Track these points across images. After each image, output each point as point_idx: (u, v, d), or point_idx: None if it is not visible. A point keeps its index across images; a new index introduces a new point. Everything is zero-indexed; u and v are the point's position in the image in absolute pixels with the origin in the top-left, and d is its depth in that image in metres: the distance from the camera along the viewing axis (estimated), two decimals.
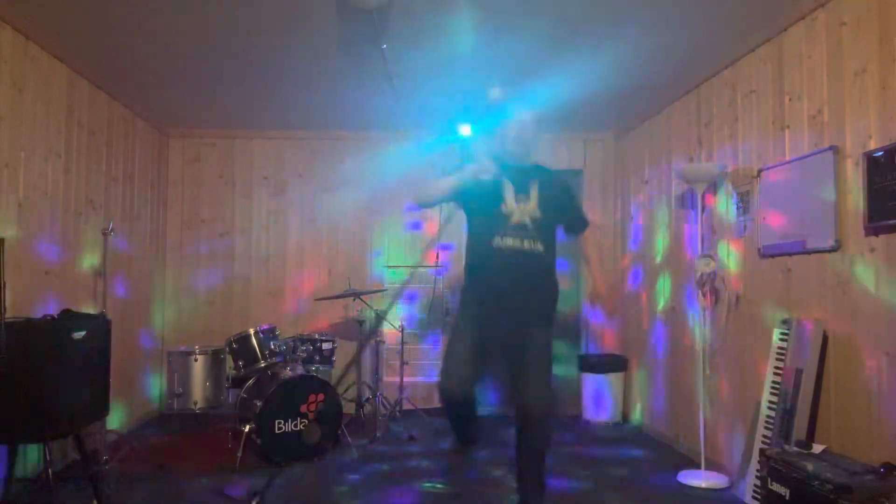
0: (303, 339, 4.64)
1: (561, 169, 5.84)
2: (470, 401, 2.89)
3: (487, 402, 5.11)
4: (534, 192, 2.90)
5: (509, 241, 2.84)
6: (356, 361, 5.11)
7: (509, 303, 2.85)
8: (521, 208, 2.88)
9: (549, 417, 2.93)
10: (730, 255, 3.83)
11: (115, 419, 4.38)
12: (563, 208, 3.04)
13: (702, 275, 3.81)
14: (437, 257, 5.73)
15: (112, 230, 4.14)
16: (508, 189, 2.88)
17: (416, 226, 5.85)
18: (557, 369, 3.01)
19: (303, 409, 4.12)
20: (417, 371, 5.53)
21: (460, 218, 3.13)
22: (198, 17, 3.42)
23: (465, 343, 2.85)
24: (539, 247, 2.88)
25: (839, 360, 2.91)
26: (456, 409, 2.93)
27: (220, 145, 5.80)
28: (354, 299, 5.09)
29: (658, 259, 4.88)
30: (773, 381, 3.19)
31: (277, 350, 4.46)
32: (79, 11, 3.35)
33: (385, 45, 3.67)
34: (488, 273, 2.89)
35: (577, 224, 3.13)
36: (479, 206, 2.92)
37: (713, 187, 4.01)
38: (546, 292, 3.02)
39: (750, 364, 3.58)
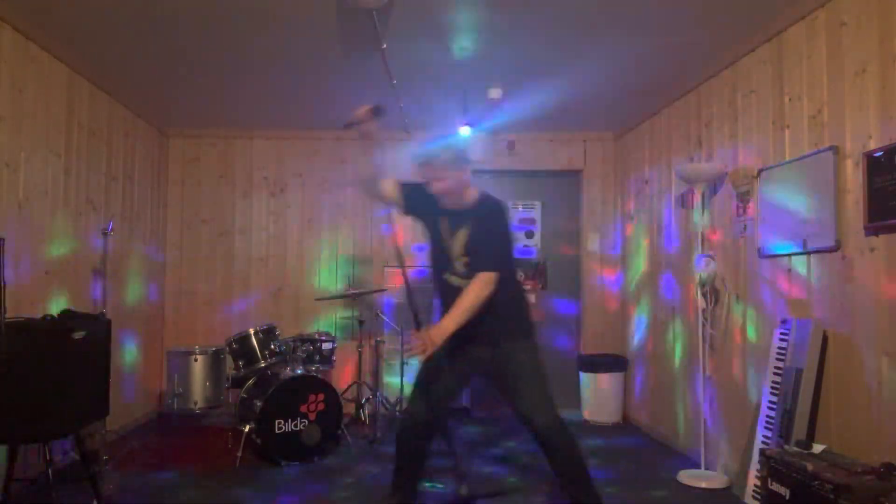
0: (303, 339, 4.64)
1: (561, 169, 5.91)
2: (428, 429, 2.86)
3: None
4: (460, 239, 2.80)
5: (455, 280, 2.80)
6: (356, 362, 5.11)
7: (468, 337, 2.72)
8: (454, 249, 2.82)
9: (558, 427, 2.73)
10: (730, 255, 3.83)
11: (115, 419, 4.37)
12: (476, 246, 2.79)
13: (702, 275, 3.81)
14: None
15: (112, 230, 4.14)
16: (445, 230, 2.85)
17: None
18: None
19: (303, 409, 4.12)
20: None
21: None
22: (198, 17, 3.42)
23: (430, 371, 2.84)
24: None
25: (839, 360, 2.91)
26: (410, 445, 2.87)
27: (220, 145, 5.80)
28: (354, 299, 5.09)
29: (658, 259, 4.88)
30: (773, 381, 3.19)
31: (277, 350, 4.46)
32: (79, 11, 3.35)
33: (385, 45, 3.67)
34: (443, 304, 2.88)
35: (477, 260, 2.74)
36: (428, 235, 2.95)
37: (713, 187, 4.01)
38: (498, 324, 2.77)
39: (750, 364, 3.58)
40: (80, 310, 3.52)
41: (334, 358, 4.81)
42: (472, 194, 2.86)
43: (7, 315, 2.75)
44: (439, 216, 2.86)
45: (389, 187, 2.93)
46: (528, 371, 2.79)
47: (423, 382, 2.88)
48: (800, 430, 2.94)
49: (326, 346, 4.72)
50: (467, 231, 2.81)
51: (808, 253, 3.12)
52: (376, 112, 2.76)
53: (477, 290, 2.66)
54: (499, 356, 2.80)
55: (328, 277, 5.76)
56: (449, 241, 2.84)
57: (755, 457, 3.14)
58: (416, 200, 2.91)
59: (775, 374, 3.19)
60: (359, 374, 5.14)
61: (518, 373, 2.78)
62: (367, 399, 5.07)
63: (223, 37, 3.69)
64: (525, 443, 4.69)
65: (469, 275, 2.74)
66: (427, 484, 3.69)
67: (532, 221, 5.97)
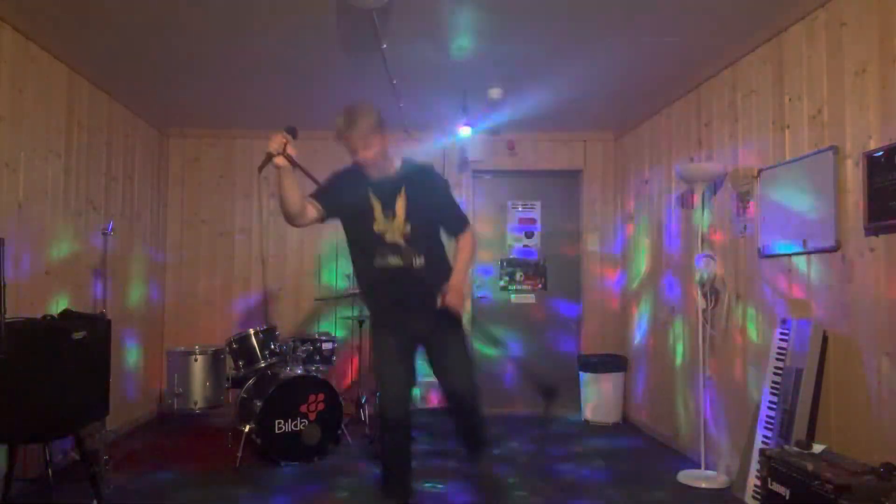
0: (303, 339, 4.64)
1: (561, 169, 5.91)
2: (408, 425, 2.89)
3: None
4: (400, 207, 2.74)
5: (390, 260, 2.74)
6: (356, 362, 5.10)
7: (398, 317, 2.83)
8: (392, 226, 2.74)
9: (476, 401, 2.90)
10: (730, 255, 3.83)
11: (115, 419, 4.37)
12: (435, 208, 2.86)
13: (702, 275, 3.81)
14: None
15: (112, 230, 4.14)
16: (376, 207, 2.74)
17: None
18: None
19: (303, 409, 4.12)
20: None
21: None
22: (198, 17, 3.42)
23: (392, 361, 2.85)
24: (420, 261, 2.76)
25: (839, 360, 2.91)
26: (396, 439, 2.89)
27: (220, 145, 5.80)
28: (355, 299, 5.08)
29: (658, 259, 4.88)
30: (773, 381, 3.19)
31: (277, 350, 4.46)
32: (79, 11, 3.35)
33: (385, 45, 3.67)
34: (375, 293, 2.86)
35: (453, 224, 2.92)
36: (353, 226, 2.85)
37: (713, 187, 4.01)
38: (434, 299, 2.83)
39: (750, 364, 3.58)
40: (80, 310, 3.52)
41: (334, 358, 4.81)
42: (395, 161, 2.84)
43: (7, 315, 2.74)
44: (367, 194, 2.75)
45: (311, 210, 2.73)
46: (462, 346, 2.90)
47: (393, 379, 2.85)
48: (800, 430, 2.94)
49: (326, 346, 4.72)
50: (404, 198, 2.76)
51: (808, 253, 3.12)
52: (290, 133, 2.61)
53: (470, 246, 2.88)
54: (438, 322, 2.82)
55: (328, 277, 5.76)
56: (382, 217, 2.74)
57: (755, 457, 3.14)
58: (335, 196, 2.77)
59: (775, 374, 3.19)
60: (359, 374, 5.14)
61: (453, 345, 2.87)
62: (367, 399, 5.07)
63: (223, 37, 3.69)
64: (525, 443, 4.70)
65: (411, 247, 2.73)
66: (427, 484, 3.69)
67: (532, 221, 5.97)
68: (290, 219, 2.68)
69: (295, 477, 3.85)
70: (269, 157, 2.54)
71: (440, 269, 2.84)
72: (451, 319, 2.80)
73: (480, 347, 5.55)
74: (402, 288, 2.79)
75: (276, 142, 2.53)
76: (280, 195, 2.61)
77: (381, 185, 2.76)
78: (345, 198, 2.79)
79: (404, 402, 2.87)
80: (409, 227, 2.75)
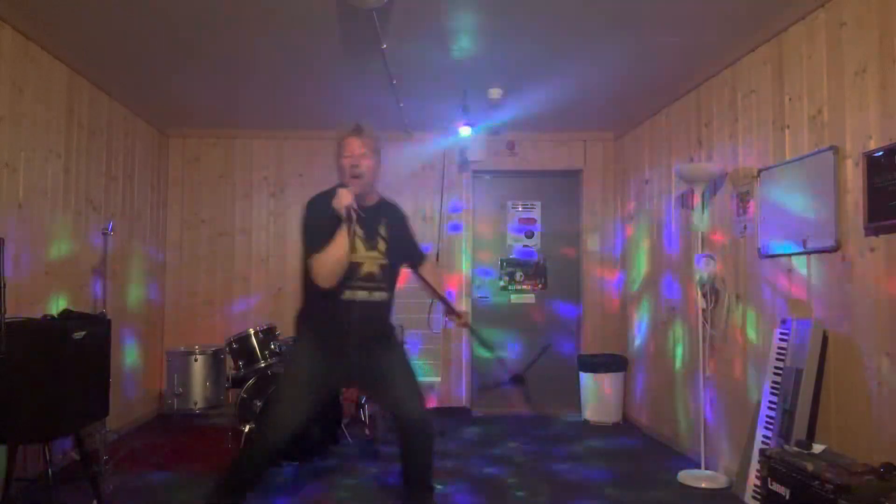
0: None
1: (561, 169, 5.91)
2: (279, 455, 2.84)
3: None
4: (382, 238, 2.73)
5: (359, 294, 2.69)
6: None
7: (356, 349, 2.74)
8: (370, 256, 2.71)
9: (430, 425, 2.83)
10: (730, 255, 3.83)
11: (115, 419, 4.38)
12: (407, 247, 2.95)
13: (702, 275, 3.80)
14: (438, 257, 5.75)
15: (112, 230, 4.14)
16: (357, 236, 2.66)
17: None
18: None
19: None
20: (417, 371, 5.51)
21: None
22: (198, 18, 3.42)
23: (302, 393, 2.74)
24: (384, 294, 2.77)
25: (839, 360, 2.91)
26: (265, 460, 2.79)
27: (220, 145, 5.80)
28: None
29: (658, 259, 4.88)
30: (773, 381, 3.19)
31: (277, 350, 4.46)
32: (79, 11, 3.35)
33: (385, 45, 3.67)
34: (335, 325, 2.70)
35: (419, 256, 3.07)
36: None
37: (713, 187, 4.01)
38: (389, 331, 2.94)
39: (750, 364, 3.58)
40: (80, 310, 3.52)
41: None
42: (375, 194, 2.83)
43: (7, 315, 2.74)
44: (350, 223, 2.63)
45: (340, 245, 2.62)
46: (409, 370, 2.89)
47: (294, 411, 2.73)
48: (800, 430, 2.94)
49: None
50: (386, 230, 2.76)
51: (808, 253, 3.12)
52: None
53: (431, 271, 3.09)
54: (382, 357, 2.81)
55: None
56: (363, 246, 2.69)
57: (755, 457, 3.14)
58: (327, 225, 2.61)
59: (775, 374, 3.20)
60: None
61: (401, 371, 2.84)
62: (367, 399, 5.06)
63: (223, 37, 3.69)
64: (525, 443, 4.70)
65: (383, 279, 2.73)
66: None
67: (532, 221, 5.97)
68: (335, 281, 2.61)
69: (295, 477, 3.85)
70: (349, 210, 2.57)
71: (393, 307, 2.89)
72: (398, 349, 2.88)
73: (479, 350, 5.56)
74: (367, 320, 2.74)
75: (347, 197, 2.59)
76: (339, 257, 2.57)
77: (364, 212, 2.65)
78: (332, 228, 2.62)
79: (290, 433, 2.73)
80: (385, 260, 2.75)
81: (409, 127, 5.46)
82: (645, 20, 3.42)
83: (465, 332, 5.74)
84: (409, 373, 2.87)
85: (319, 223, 2.63)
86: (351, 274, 2.66)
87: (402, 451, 2.83)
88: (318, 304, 2.74)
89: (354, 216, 2.58)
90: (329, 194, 2.67)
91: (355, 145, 2.69)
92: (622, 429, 5.25)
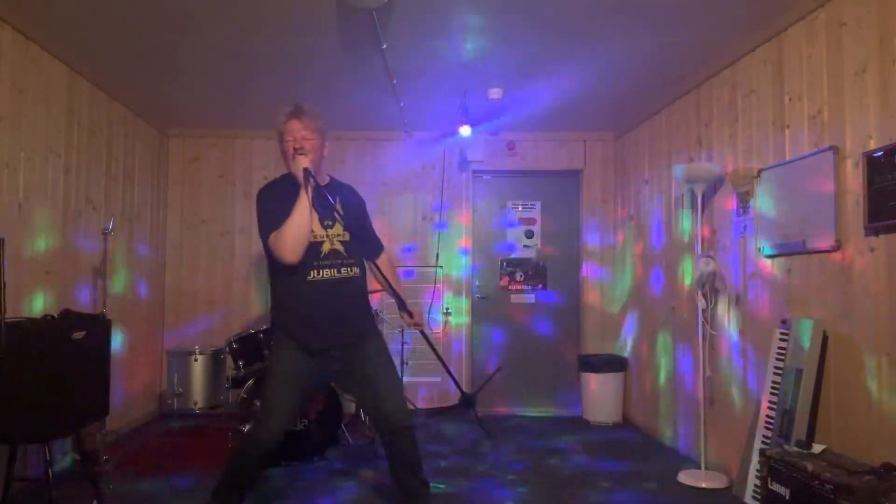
0: None
1: (561, 169, 5.91)
2: (272, 453, 2.72)
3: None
4: (338, 214, 2.69)
5: (325, 273, 2.64)
6: None
7: (333, 333, 2.68)
8: (329, 234, 2.66)
9: (410, 419, 2.80)
10: (730, 255, 3.83)
11: (115, 419, 4.38)
12: (365, 232, 2.90)
13: (702, 275, 3.80)
14: (437, 259, 5.76)
15: (112, 230, 4.14)
16: (313, 216, 2.61)
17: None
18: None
19: None
20: (418, 371, 5.52)
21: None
22: (198, 18, 3.42)
23: (288, 389, 2.67)
24: (355, 270, 2.74)
25: (839, 360, 2.91)
26: (257, 463, 2.70)
27: (220, 145, 5.80)
28: None
29: (658, 259, 4.88)
30: (773, 381, 3.20)
31: None
32: (79, 12, 3.35)
33: (385, 45, 3.67)
34: (306, 311, 2.64)
35: (376, 243, 2.99)
36: None
37: (713, 187, 4.02)
38: (366, 313, 2.88)
39: (750, 364, 3.59)
40: (80, 310, 3.53)
41: None
42: (325, 175, 2.80)
43: (7, 315, 2.75)
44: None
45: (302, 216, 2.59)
46: (391, 366, 2.83)
47: (282, 409, 2.67)
48: (800, 430, 2.94)
49: None
50: (340, 206, 2.70)
51: (808, 253, 3.12)
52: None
53: (394, 265, 2.96)
54: (364, 352, 2.76)
55: None
56: (320, 225, 2.66)
57: (755, 457, 3.14)
58: (284, 205, 2.58)
59: (775, 374, 3.20)
60: None
61: (382, 368, 2.77)
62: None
63: (223, 37, 3.69)
64: (525, 442, 4.70)
65: (348, 255, 2.68)
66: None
67: (532, 221, 5.97)
68: (300, 252, 2.56)
69: (295, 478, 3.85)
70: (307, 172, 2.56)
71: (364, 285, 2.83)
72: (376, 340, 2.82)
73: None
74: (340, 299, 2.69)
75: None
76: (300, 223, 2.53)
77: (316, 192, 2.61)
78: (289, 204, 2.59)
79: (282, 433, 2.66)
80: (348, 235, 2.72)
81: (409, 127, 5.46)
82: (645, 20, 3.42)
83: (464, 332, 5.76)
84: (389, 367, 2.81)
85: (274, 205, 2.60)
86: (313, 254, 2.62)
87: (389, 451, 2.81)
88: (287, 291, 2.68)
89: (312, 182, 2.56)
90: (277, 182, 2.72)
91: (296, 128, 2.64)
92: (622, 428, 5.25)
